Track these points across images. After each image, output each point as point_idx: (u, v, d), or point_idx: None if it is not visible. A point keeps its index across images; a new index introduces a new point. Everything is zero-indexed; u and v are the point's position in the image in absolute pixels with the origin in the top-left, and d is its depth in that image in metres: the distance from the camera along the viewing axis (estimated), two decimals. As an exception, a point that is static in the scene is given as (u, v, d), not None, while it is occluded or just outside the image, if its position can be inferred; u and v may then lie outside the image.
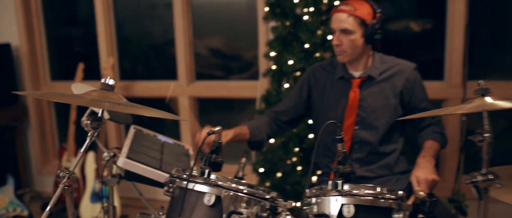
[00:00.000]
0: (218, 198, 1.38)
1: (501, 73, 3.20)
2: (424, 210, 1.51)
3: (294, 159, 2.80)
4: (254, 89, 3.36)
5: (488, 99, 1.23)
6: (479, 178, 1.22)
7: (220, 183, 1.40)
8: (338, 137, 1.42)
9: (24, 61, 3.84)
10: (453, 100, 3.04)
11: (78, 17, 4.05)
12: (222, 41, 3.76)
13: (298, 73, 2.79)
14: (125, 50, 3.85)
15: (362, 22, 1.95)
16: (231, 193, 1.38)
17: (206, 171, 1.43)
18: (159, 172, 1.75)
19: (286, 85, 2.84)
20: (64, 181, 1.41)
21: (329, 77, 2.14)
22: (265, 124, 2.17)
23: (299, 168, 2.80)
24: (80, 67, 3.51)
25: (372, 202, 1.34)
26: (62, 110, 4.06)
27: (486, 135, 1.22)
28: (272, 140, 2.85)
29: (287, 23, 2.78)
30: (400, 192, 1.39)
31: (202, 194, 1.40)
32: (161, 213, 1.84)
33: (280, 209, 1.36)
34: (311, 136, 2.75)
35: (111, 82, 1.43)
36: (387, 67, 2.07)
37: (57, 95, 1.46)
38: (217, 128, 1.49)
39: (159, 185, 1.78)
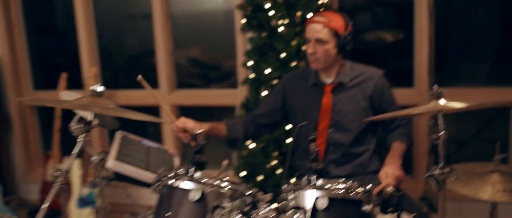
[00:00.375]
0: (202, 194, 1.50)
1: (467, 80, 3.43)
2: (392, 204, 1.66)
3: (274, 162, 2.94)
4: (234, 97, 3.50)
5: (442, 101, 1.39)
6: (437, 171, 1.38)
7: (204, 180, 1.52)
8: (310, 138, 1.56)
9: (6, 71, 3.90)
10: (422, 105, 3.23)
11: (58, 28, 4.14)
12: (201, 51, 3.89)
13: (275, 81, 2.95)
14: (105, 60, 3.94)
15: (335, 34, 2.11)
16: (215, 189, 1.51)
17: (191, 169, 1.55)
18: (146, 173, 1.86)
19: (264, 93, 2.98)
20: (58, 180, 1.50)
21: (303, 84, 2.30)
22: (242, 123, 2.33)
23: (278, 171, 2.94)
24: (63, 76, 3.60)
25: (343, 195, 1.49)
26: (45, 119, 4.12)
27: (440, 134, 1.37)
28: (252, 145, 2.98)
29: (264, 34, 2.93)
30: (369, 186, 1.53)
31: (187, 191, 1.52)
32: (148, 213, 1.96)
33: (260, 203, 1.49)
34: (289, 140, 2.89)
35: (100, 89, 1.55)
36: (357, 73, 2.23)
37: (53, 101, 1.56)
38: (200, 131, 1.62)
39: (146, 185, 1.90)
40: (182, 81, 3.81)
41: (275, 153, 2.95)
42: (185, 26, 3.78)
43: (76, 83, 3.79)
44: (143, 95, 3.79)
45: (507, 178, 1.64)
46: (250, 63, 3.01)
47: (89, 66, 3.78)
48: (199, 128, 2.03)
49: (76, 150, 1.51)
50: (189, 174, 1.55)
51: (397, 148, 2.18)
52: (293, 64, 2.87)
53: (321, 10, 2.61)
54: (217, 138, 2.28)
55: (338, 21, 2.12)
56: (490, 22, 3.32)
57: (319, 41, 2.12)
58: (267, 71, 2.92)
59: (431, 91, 1.41)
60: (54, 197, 1.75)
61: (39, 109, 4.12)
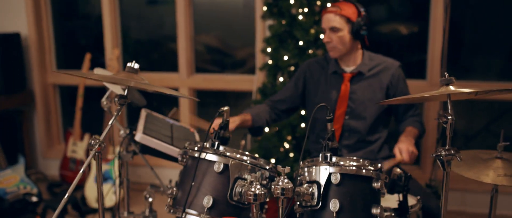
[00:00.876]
0: (226, 166, 1.63)
1: (479, 75, 3.51)
2: (400, 184, 1.78)
3: (287, 146, 3.06)
4: (250, 82, 3.62)
5: (451, 88, 1.50)
6: (443, 152, 1.48)
7: (228, 153, 1.65)
8: (328, 117, 1.67)
9: (33, 50, 4.05)
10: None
11: (82, 10, 4.28)
12: (218, 38, 4.01)
13: (292, 68, 3.06)
14: (126, 44, 4.08)
15: (348, 20, 2.22)
16: (237, 162, 1.63)
17: (216, 143, 1.67)
18: (171, 147, 1.99)
19: (281, 79, 3.09)
20: (95, 148, 1.63)
21: (323, 71, 2.40)
22: (265, 112, 2.42)
23: (291, 155, 3.05)
24: (87, 57, 3.74)
25: (356, 172, 1.60)
26: (66, 97, 4.28)
27: (449, 117, 1.48)
28: (266, 129, 3.10)
29: (283, 22, 3.03)
30: (379, 165, 1.65)
31: (212, 162, 1.65)
32: (169, 186, 2.09)
33: (278, 176, 1.61)
34: (303, 125, 3.01)
35: (136, 66, 1.67)
36: (375, 64, 2.34)
37: (93, 75, 1.70)
38: (226, 108, 1.74)
39: (170, 158, 2.03)
40: (198, 66, 3.94)
41: (289, 137, 3.06)
42: (203, 13, 3.89)
43: (98, 64, 3.93)
44: (163, 77, 3.93)
45: (509, 164, 1.74)
46: (269, 49, 3.12)
47: (112, 48, 3.92)
48: (232, 124, 2.13)
49: (112, 120, 1.62)
50: (214, 148, 1.68)
51: (410, 131, 2.27)
52: (311, 51, 2.98)
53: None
54: (242, 128, 2.35)
55: (350, 9, 2.23)
56: (506, 17, 3.39)
57: (333, 29, 2.23)
58: (285, 57, 3.03)
59: (442, 78, 1.51)
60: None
61: (61, 88, 4.27)
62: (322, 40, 2.89)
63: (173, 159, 2.01)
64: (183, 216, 1.63)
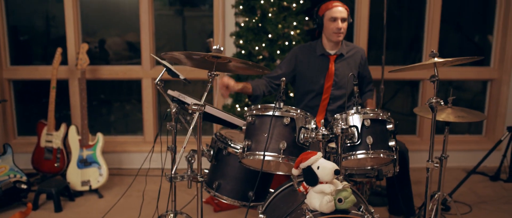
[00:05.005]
0: (292, 119, 2.26)
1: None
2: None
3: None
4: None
5: (436, 59, 2.33)
6: (433, 100, 2.30)
7: (292, 111, 2.27)
8: (354, 83, 2.39)
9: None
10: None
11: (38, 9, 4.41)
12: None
13: (261, 57, 3.72)
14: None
15: (348, 14, 2.98)
16: (300, 115, 2.27)
17: (281, 104, 2.28)
18: (231, 116, 2.53)
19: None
20: (198, 109, 2.12)
21: (311, 54, 3.12)
22: (263, 84, 3.07)
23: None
24: (58, 51, 3.94)
25: (376, 117, 2.34)
26: (21, 92, 4.39)
27: (435, 77, 2.30)
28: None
29: (255, 18, 3.69)
30: (389, 113, 2.42)
31: (281, 117, 2.26)
32: (206, 149, 2.60)
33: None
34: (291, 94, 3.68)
35: (221, 48, 2.20)
36: (350, 48, 3.14)
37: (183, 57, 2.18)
38: (283, 79, 2.34)
39: (230, 125, 2.56)
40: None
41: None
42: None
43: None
44: (125, 70, 4.29)
45: (455, 111, 2.68)
46: (241, 41, 3.74)
47: (74, 43, 4.17)
48: (237, 86, 2.78)
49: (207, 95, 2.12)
50: (279, 107, 2.28)
51: (370, 102, 3.14)
52: (280, 42, 3.67)
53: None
54: (243, 93, 3.01)
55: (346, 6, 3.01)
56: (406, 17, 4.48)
57: (344, 20, 2.97)
58: (256, 48, 3.68)
59: (430, 53, 2.34)
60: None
61: (15, 83, 4.35)
62: (287, 33, 3.61)
63: (232, 125, 2.57)
64: (263, 158, 2.22)
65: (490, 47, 4.52)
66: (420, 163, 4.02)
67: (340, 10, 2.97)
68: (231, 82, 2.82)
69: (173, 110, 2.61)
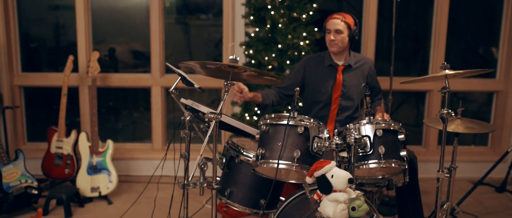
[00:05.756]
0: (306, 128, 2.30)
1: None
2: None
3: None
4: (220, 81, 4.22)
5: (447, 71, 2.37)
6: (444, 112, 2.34)
7: (305, 120, 2.31)
8: (367, 93, 2.43)
9: (2, 53, 4.14)
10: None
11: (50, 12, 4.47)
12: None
13: (270, 67, 3.77)
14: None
15: (348, 27, 3.01)
16: (314, 125, 2.31)
17: (295, 113, 2.32)
18: (244, 125, 2.58)
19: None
20: (215, 118, 2.15)
21: (320, 64, 3.17)
22: (272, 94, 3.14)
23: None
24: (70, 59, 3.99)
25: (388, 127, 2.38)
26: (31, 98, 4.44)
27: (447, 89, 2.34)
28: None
29: (266, 28, 3.74)
30: (400, 124, 2.46)
31: (295, 126, 2.30)
32: (218, 157, 2.63)
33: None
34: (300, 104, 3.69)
35: (237, 58, 2.25)
36: (358, 59, 3.18)
37: (199, 67, 2.22)
38: (297, 88, 2.38)
39: (244, 134, 2.61)
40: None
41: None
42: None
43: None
44: (134, 78, 4.34)
45: (464, 122, 2.72)
46: (251, 51, 3.79)
47: (85, 51, 4.22)
48: (249, 94, 2.86)
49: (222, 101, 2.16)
50: (293, 116, 2.32)
51: (379, 109, 3.17)
52: (289, 53, 3.72)
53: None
54: (253, 102, 3.06)
55: (350, 19, 3.03)
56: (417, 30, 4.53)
57: (338, 31, 3.00)
58: (266, 58, 3.73)
59: (441, 65, 2.38)
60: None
61: (26, 90, 4.40)
62: (297, 43, 3.67)
63: (246, 134, 2.61)
64: (277, 166, 2.25)
65: (493, 58, 4.57)
66: (427, 174, 4.07)
67: (334, 23, 3.01)
68: (245, 88, 2.88)
69: (187, 118, 2.66)
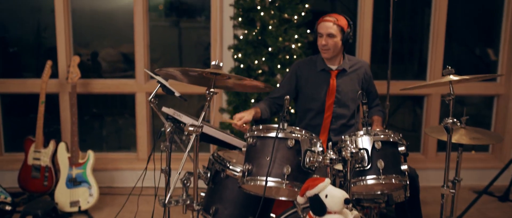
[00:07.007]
0: (297, 141, 2.08)
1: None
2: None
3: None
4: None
5: (451, 77, 2.17)
6: (449, 121, 2.14)
7: (296, 132, 2.10)
8: (364, 101, 2.22)
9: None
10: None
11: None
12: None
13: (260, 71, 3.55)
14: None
15: (342, 30, 2.79)
16: (305, 137, 2.09)
17: (285, 124, 2.11)
18: (230, 136, 2.36)
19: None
20: (196, 131, 1.94)
21: (312, 69, 2.95)
22: (268, 106, 2.91)
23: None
24: (48, 64, 3.76)
25: (387, 139, 2.17)
26: (8, 106, 4.21)
27: (451, 96, 2.14)
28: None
29: (255, 31, 3.52)
30: (400, 135, 2.25)
31: (285, 139, 2.08)
32: (202, 171, 2.40)
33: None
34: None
35: (221, 64, 2.03)
36: (353, 63, 2.96)
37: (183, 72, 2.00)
38: (287, 97, 2.17)
39: (228, 146, 2.39)
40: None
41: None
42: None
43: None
44: (118, 83, 4.11)
45: (468, 131, 2.51)
46: (239, 55, 3.57)
47: (65, 56, 3.99)
48: (250, 115, 2.65)
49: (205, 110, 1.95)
50: (282, 128, 2.10)
51: (377, 120, 2.96)
52: (280, 56, 3.50)
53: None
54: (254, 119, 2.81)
55: (343, 21, 2.81)
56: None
57: (330, 35, 2.79)
58: (256, 62, 3.51)
59: (444, 70, 2.17)
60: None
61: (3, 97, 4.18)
62: (288, 46, 3.45)
63: (230, 146, 2.39)
64: (265, 184, 2.03)
65: (490, 59, 4.39)
66: (425, 182, 3.85)
67: (326, 26, 2.79)
68: (245, 115, 2.65)
69: (168, 130, 2.44)
